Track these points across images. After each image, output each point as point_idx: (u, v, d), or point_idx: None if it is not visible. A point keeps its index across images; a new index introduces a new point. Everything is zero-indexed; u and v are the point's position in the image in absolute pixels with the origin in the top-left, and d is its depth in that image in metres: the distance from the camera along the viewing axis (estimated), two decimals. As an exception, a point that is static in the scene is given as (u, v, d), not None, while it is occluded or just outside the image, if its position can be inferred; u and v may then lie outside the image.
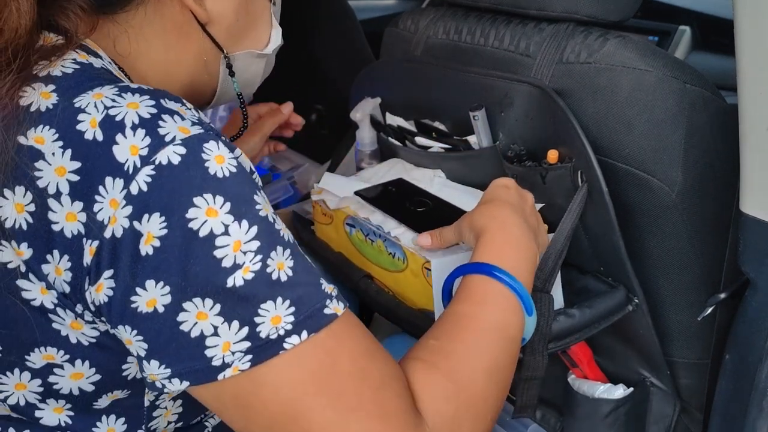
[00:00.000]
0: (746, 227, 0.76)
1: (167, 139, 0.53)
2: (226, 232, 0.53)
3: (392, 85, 1.15)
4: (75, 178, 0.52)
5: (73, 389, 0.60)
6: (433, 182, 1.05)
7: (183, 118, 0.55)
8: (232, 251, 0.53)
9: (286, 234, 0.58)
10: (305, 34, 1.60)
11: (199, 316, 0.53)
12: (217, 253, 0.52)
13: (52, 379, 0.59)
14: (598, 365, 1.04)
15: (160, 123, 0.54)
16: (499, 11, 1.00)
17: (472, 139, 1.00)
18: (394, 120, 1.13)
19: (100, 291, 0.53)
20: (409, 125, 1.12)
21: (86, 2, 0.62)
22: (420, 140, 1.08)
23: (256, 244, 0.54)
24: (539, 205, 0.93)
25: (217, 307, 0.53)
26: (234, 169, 0.54)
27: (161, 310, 0.53)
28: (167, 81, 0.69)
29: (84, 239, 0.52)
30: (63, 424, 0.62)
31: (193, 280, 0.52)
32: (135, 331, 0.54)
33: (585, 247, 0.93)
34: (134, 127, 0.53)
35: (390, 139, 1.14)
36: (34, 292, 0.55)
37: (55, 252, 0.53)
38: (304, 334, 0.54)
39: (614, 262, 0.91)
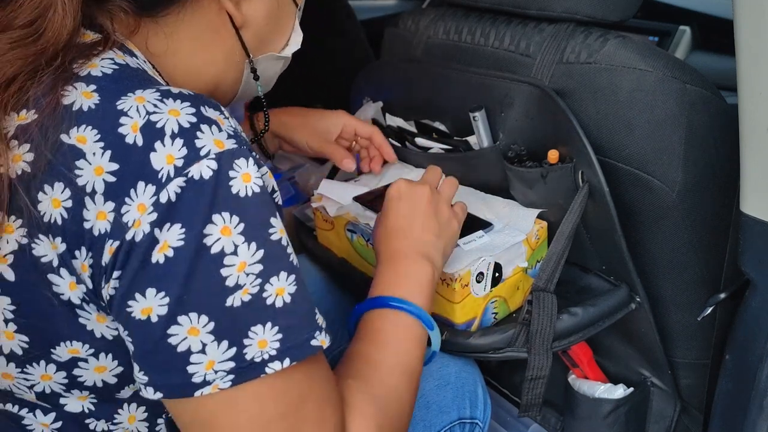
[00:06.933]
0: (746, 227, 0.76)
1: (202, 152, 0.54)
2: (234, 252, 0.54)
3: (392, 86, 1.15)
4: (111, 179, 0.53)
5: (97, 381, 0.61)
6: None
7: (220, 129, 0.56)
8: (236, 271, 0.54)
9: (295, 260, 0.59)
10: (306, 34, 1.60)
11: (191, 332, 0.54)
12: (223, 272, 0.54)
13: (76, 372, 0.60)
14: (598, 365, 1.04)
15: (198, 134, 0.55)
16: (500, 11, 1.00)
17: (472, 139, 1.00)
18: (394, 121, 1.13)
19: (108, 288, 0.55)
20: (409, 126, 1.12)
21: (127, 4, 0.63)
22: (420, 141, 1.08)
23: (258, 267, 0.55)
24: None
25: (211, 325, 0.54)
26: (257, 189, 0.56)
27: (154, 319, 0.54)
28: (194, 81, 0.69)
29: (107, 238, 0.54)
30: (86, 411, 0.64)
31: (194, 295, 0.54)
32: (126, 332, 0.56)
33: (587, 246, 0.93)
34: (173, 136, 0.54)
35: (390, 140, 1.13)
36: (63, 287, 0.56)
37: (83, 248, 0.55)
38: (287, 361, 0.56)
39: (616, 261, 0.91)
